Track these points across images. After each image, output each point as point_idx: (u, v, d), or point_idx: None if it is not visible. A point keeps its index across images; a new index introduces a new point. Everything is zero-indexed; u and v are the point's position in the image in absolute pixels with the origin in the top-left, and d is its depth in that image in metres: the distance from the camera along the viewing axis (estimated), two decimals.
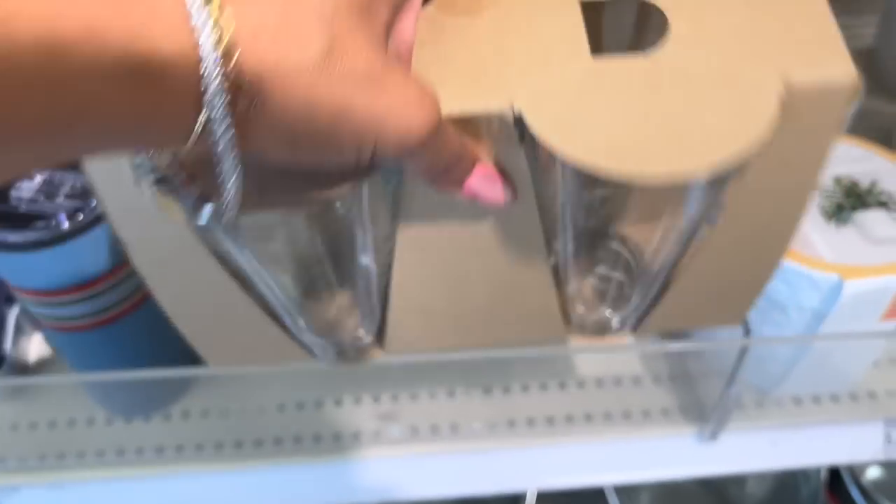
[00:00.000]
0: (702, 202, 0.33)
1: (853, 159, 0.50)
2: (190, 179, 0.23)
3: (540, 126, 0.25)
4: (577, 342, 0.47)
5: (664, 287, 0.39)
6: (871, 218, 0.47)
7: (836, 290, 0.44)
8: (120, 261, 0.44)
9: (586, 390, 0.54)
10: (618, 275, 0.41)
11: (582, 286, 0.41)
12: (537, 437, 0.52)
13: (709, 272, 0.36)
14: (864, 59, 0.82)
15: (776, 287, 0.46)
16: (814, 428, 0.53)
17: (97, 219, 0.41)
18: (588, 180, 0.32)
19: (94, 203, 0.41)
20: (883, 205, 0.47)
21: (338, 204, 0.30)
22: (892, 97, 0.76)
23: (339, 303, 0.40)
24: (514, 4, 0.28)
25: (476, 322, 0.39)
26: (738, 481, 0.89)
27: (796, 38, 0.27)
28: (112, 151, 0.21)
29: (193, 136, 0.20)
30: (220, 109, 0.19)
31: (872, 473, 0.91)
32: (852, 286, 0.43)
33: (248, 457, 0.52)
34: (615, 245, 0.41)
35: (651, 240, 0.39)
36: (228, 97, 0.19)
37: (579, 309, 0.42)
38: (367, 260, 0.37)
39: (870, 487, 0.74)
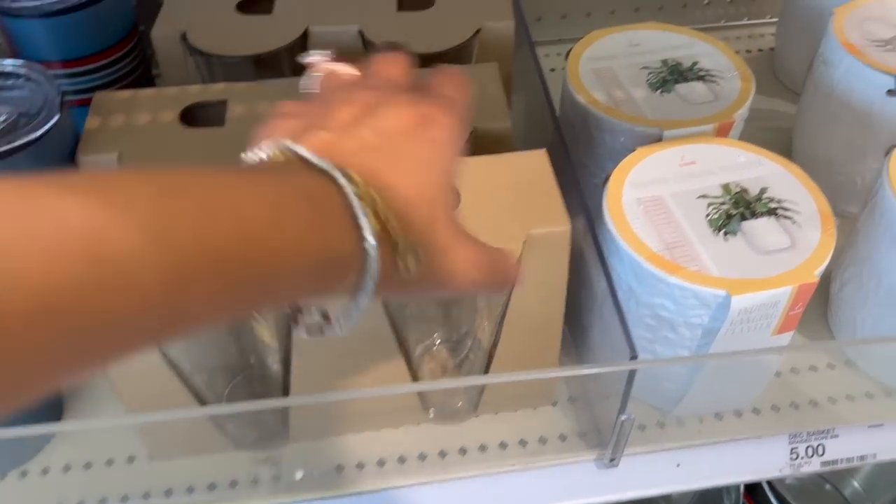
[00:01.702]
0: (496, 309, 0.46)
1: (742, 165, 0.48)
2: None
3: None
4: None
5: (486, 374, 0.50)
6: (760, 227, 0.45)
7: (725, 305, 0.41)
8: None
9: (481, 419, 0.51)
10: (458, 368, 0.51)
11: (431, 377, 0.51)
12: (430, 472, 0.49)
13: (507, 363, 0.48)
14: (766, 59, 0.82)
15: (663, 304, 0.43)
16: (718, 446, 0.51)
17: None
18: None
19: None
20: (772, 212, 0.45)
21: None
22: (790, 96, 0.76)
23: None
24: None
25: (356, 412, 0.49)
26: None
27: (537, 209, 0.43)
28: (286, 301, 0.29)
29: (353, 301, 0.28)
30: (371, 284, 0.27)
31: (790, 479, 0.90)
32: (741, 301, 0.41)
33: None
34: (450, 346, 0.51)
35: (476, 341, 0.50)
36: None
37: (432, 398, 0.51)
38: (275, 363, 0.48)
39: (786, 493, 0.73)
